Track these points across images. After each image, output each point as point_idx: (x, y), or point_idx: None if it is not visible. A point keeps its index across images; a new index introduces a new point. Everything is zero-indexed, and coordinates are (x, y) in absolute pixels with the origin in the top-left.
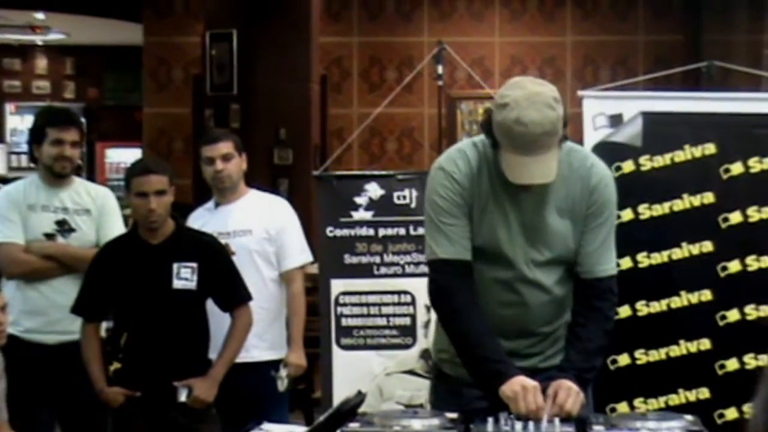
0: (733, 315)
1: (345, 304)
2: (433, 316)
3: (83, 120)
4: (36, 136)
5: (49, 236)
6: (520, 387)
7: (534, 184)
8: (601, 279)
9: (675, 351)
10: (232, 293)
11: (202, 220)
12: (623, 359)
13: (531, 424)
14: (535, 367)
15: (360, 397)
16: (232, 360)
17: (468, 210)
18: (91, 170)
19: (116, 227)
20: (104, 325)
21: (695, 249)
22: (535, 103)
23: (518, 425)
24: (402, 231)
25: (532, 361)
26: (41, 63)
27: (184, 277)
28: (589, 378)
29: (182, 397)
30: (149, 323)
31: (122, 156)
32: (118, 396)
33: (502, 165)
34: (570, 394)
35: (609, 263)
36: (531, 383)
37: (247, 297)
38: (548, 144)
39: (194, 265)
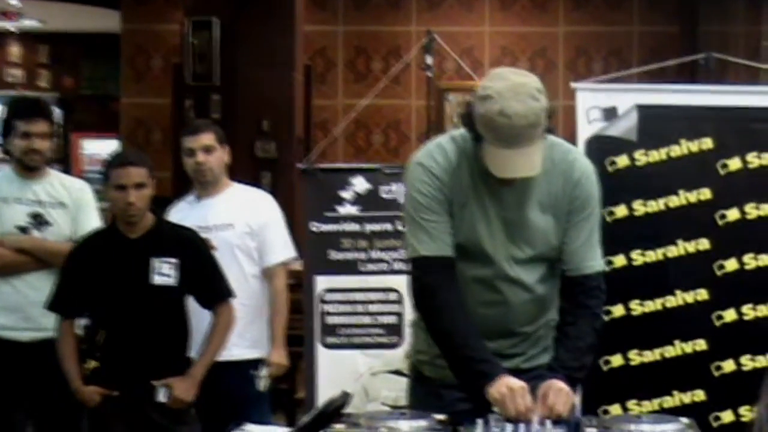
0: (729, 315)
1: (329, 302)
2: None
3: (57, 110)
4: (5, 128)
5: (23, 229)
6: (507, 389)
7: (517, 178)
8: (587, 276)
9: (670, 352)
10: (214, 290)
11: (182, 213)
12: (616, 360)
13: (521, 427)
14: (518, 368)
15: (345, 397)
16: (213, 359)
17: (448, 206)
18: (67, 162)
19: (92, 221)
20: (81, 322)
21: (691, 247)
22: (519, 94)
23: (508, 428)
24: (389, 226)
25: (515, 361)
26: (15, 51)
27: (164, 272)
28: (580, 377)
29: (161, 397)
30: (127, 320)
31: (99, 147)
32: (95, 395)
33: (485, 159)
34: (560, 395)
35: (595, 259)
36: (518, 384)
37: (228, 294)
38: (533, 136)
39: (174, 260)
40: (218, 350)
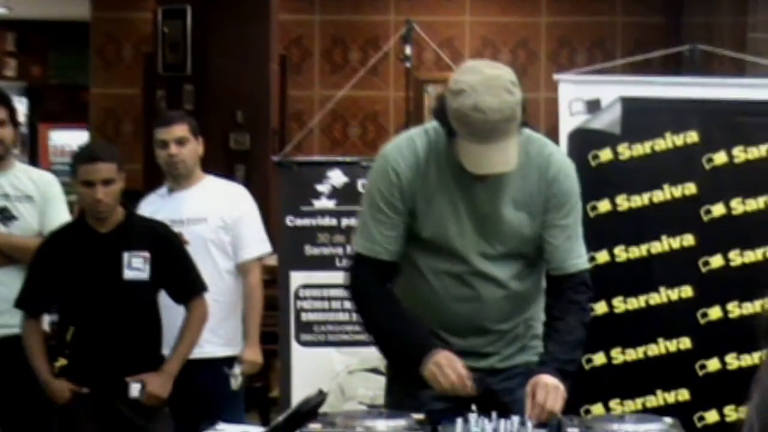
0: (715, 312)
1: (305, 298)
2: None
3: (24, 100)
4: None
5: None
6: (434, 365)
7: (492, 174)
8: (573, 274)
9: (653, 350)
10: (187, 284)
11: (154, 206)
12: (599, 358)
13: (502, 424)
14: (493, 368)
15: (321, 396)
16: (187, 354)
17: (410, 204)
18: (34, 154)
19: (61, 215)
20: (47, 318)
21: (676, 243)
22: (493, 87)
23: (488, 426)
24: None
25: (490, 361)
26: None
27: (136, 267)
28: (571, 370)
29: (134, 392)
30: (98, 316)
31: (67, 138)
32: (65, 391)
33: (458, 154)
34: (549, 390)
35: (579, 257)
36: (445, 356)
37: (202, 288)
38: (508, 130)
39: (146, 254)
40: (192, 346)
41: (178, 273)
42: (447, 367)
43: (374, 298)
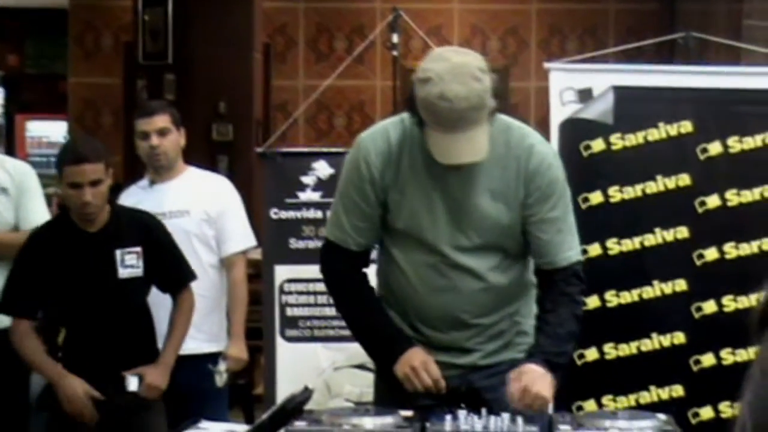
0: (709, 306)
1: (290, 293)
2: None
3: (0, 89)
4: None
5: None
6: (409, 368)
7: (462, 164)
8: (564, 268)
9: (647, 345)
10: (178, 274)
11: (135, 198)
12: (591, 354)
13: (492, 421)
14: (475, 365)
15: (306, 393)
16: (180, 345)
17: (380, 197)
18: (11, 145)
19: (38, 208)
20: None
21: (669, 235)
22: (460, 75)
23: (477, 423)
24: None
25: (472, 357)
26: None
27: (129, 264)
28: (561, 363)
29: (132, 386)
30: (93, 317)
31: (45, 129)
32: (78, 388)
33: (428, 144)
34: (534, 375)
35: (571, 250)
36: (419, 359)
37: (192, 277)
38: (476, 119)
39: (138, 249)
40: (185, 335)
41: (168, 264)
42: (421, 370)
43: (346, 288)
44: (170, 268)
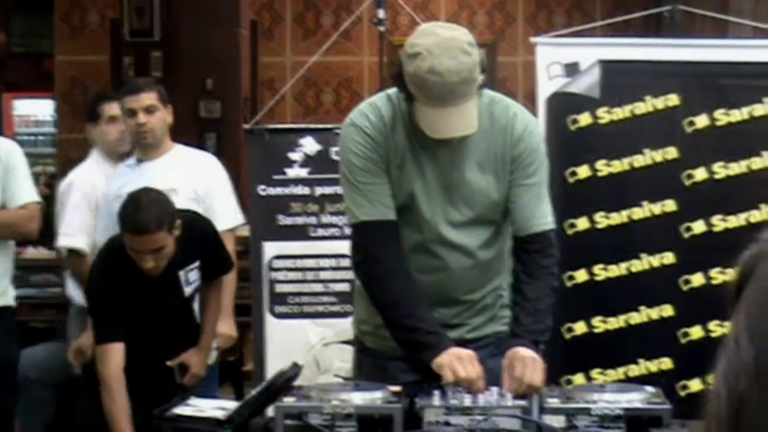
0: (697, 279)
1: (279, 269)
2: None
3: None
4: None
5: None
6: (454, 357)
7: (454, 138)
8: (539, 234)
9: (635, 318)
10: (220, 267)
11: (123, 177)
12: (579, 327)
13: (481, 397)
14: (462, 338)
15: (295, 369)
16: (216, 325)
17: (386, 166)
18: None
19: (25, 186)
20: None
21: (657, 208)
22: (449, 49)
23: (466, 398)
24: (340, 189)
25: (459, 331)
26: None
27: (193, 280)
28: (543, 340)
29: (179, 378)
30: (160, 332)
31: (32, 108)
32: None
33: (418, 119)
34: (527, 363)
35: (545, 216)
36: (466, 352)
37: (230, 267)
38: (466, 93)
39: (197, 263)
40: (218, 313)
41: (215, 261)
42: (467, 362)
43: (388, 272)
44: (215, 264)
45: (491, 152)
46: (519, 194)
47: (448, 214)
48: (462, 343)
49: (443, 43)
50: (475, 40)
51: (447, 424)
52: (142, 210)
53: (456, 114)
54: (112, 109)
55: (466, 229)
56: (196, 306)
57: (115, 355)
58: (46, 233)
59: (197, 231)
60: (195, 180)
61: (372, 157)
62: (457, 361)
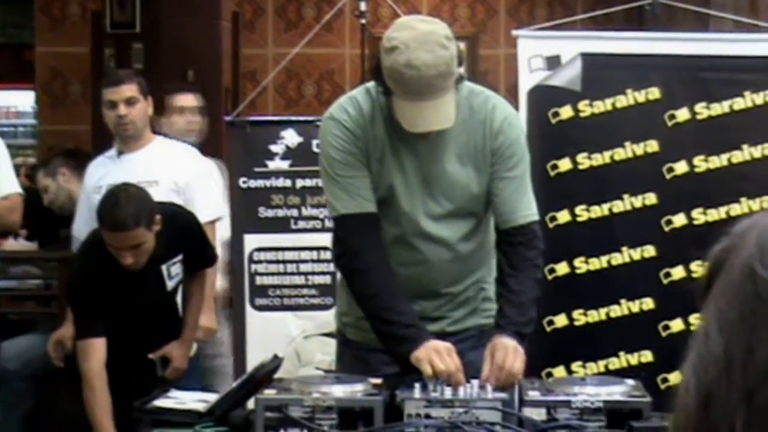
0: (678, 272)
1: (260, 261)
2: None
3: None
4: None
5: None
6: (433, 350)
7: (432, 131)
8: (522, 226)
9: (616, 311)
10: (204, 260)
11: (103, 169)
12: (560, 320)
13: (461, 389)
14: (443, 331)
15: (276, 361)
16: (198, 318)
17: (365, 159)
18: None
19: (7, 176)
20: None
21: (638, 201)
22: (426, 43)
23: (447, 391)
24: (321, 182)
25: (440, 324)
26: None
27: (175, 273)
28: (527, 332)
29: (161, 371)
30: (141, 324)
31: (13, 99)
32: None
33: (396, 113)
34: (508, 352)
35: (529, 209)
36: (443, 345)
37: (214, 260)
38: (443, 87)
39: (180, 257)
40: (201, 307)
41: (198, 253)
42: (446, 355)
43: (368, 264)
44: (198, 258)
45: (471, 144)
46: (501, 187)
47: (428, 207)
48: (443, 335)
49: (420, 37)
50: (452, 34)
51: (427, 416)
52: (120, 207)
53: (433, 108)
54: (180, 100)
55: (446, 222)
56: (179, 299)
57: (96, 350)
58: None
59: (180, 224)
60: (176, 171)
61: (351, 150)
62: (435, 354)
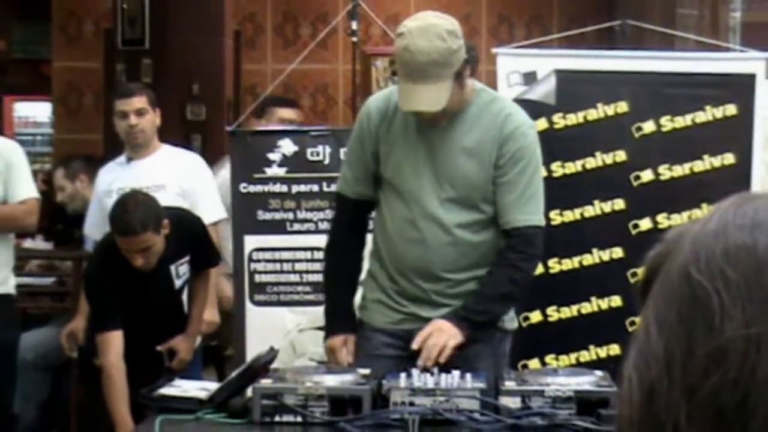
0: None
1: (258, 261)
2: None
3: None
4: None
5: None
6: (329, 349)
7: (424, 113)
8: (516, 228)
9: (587, 308)
10: (208, 260)
11: (113, 174)
12: (535, 316)
13: (443, 378)
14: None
15: (272, 353)
16: (203, 312)
17: (373, 148)
18: None
19: (26, 183)
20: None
21: (607, 207)
22: (427, 33)
23: (429, 380)
24: (315, 187)
25: (438, 312)
26: None
27: (182, 273)
28: (480, 321)
29: (168, 362)
30: (150, 321)
31: (31, 110)
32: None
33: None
34: (433, 333)
35: (531, 213)
36: (337, 344)
37: (217, 261)
38: (436, 74)
39: (187, 257)
40: (206, 301)
41: (203, 254)
42: (338, 354)
43: (331, 242)
44: (204, 258)
45: (480, 142)
46: (507, 190)
47: (434, 189)
48: None
49: (424, 27)
50: (459, 32)
51: (412, 404)
52: (129, 213)
53: (423, 91)
54: (282, 113)
55: (447, 206)
56: (184, 297)
57: (114, 343)
58: None
59: (187, 228)
60: (181, 177)
61: (364, 135)
62: (330, 356)
